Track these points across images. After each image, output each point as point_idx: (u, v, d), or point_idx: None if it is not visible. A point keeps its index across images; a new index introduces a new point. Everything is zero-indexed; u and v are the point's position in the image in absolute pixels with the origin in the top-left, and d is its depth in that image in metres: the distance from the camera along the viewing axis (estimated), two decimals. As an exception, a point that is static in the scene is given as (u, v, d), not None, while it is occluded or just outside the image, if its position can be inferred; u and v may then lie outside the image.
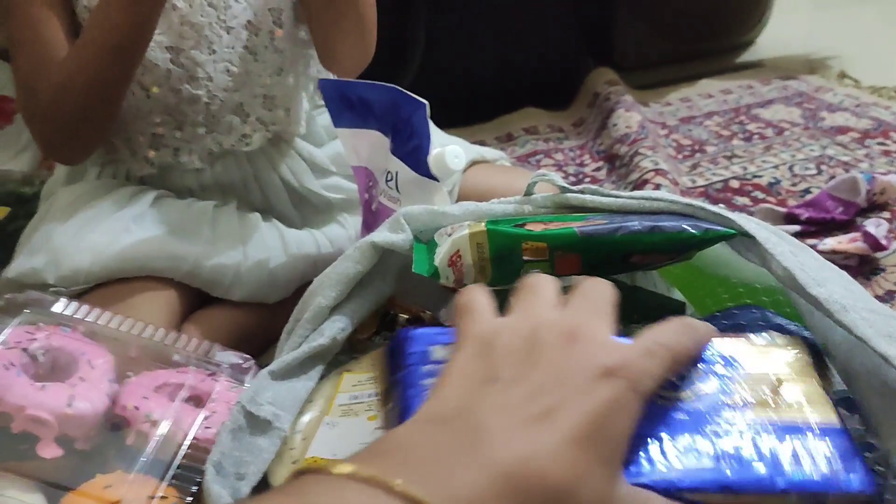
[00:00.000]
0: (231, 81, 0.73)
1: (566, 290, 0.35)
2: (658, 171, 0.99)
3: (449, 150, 0.61)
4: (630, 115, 1.13)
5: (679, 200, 0.48)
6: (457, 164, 0.61)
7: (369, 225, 0.69)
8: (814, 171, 1.04)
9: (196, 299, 0.71)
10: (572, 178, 1.08)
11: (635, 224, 0.47)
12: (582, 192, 0.51)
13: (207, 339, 0.59)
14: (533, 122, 1.24)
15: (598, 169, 1.10)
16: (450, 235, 0.51)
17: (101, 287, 0.67)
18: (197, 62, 0.71)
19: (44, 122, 0.69)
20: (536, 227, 0.49)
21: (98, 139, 0.72)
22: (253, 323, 0.72)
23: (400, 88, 0.65)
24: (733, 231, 0.46)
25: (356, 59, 0.75)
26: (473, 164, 0.85)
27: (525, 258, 0.48)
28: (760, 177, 1.04)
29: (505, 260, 0.48)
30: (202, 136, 0.74)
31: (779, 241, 0.46)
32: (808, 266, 0.43)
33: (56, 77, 0.66)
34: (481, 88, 1.26)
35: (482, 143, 1.19)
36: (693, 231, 0.46)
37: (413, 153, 0.64)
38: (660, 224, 0.47)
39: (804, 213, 0.86)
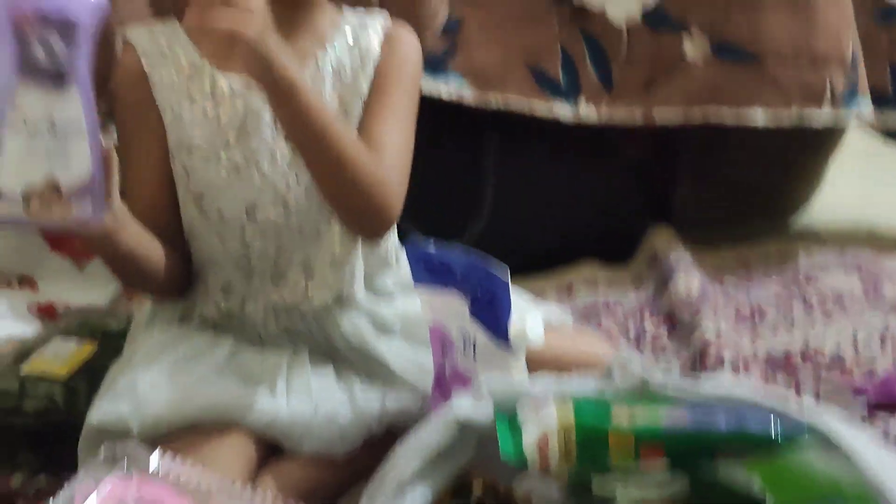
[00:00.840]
0: (301, 239, 0.77)
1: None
2: (720, 339, 1.00)
3: (530, 324, 0.64)
4: (690, 279, 1.16)
5: (762, 402, 0.50)
6: (537, 339, 0.63)
7: (443, 389, 0.71)
8: (878, 345, 1.04)
9: (268, 449, 0.73)
10: (633, 338, 1.09)
11: (721, 422, 0.48)
12: (664, 383, 0.53)
13: (282, 493, 0.60)
14: (593, 276, 1.26)
15: (658, 330, 1.11)
16: (534, 414, 0.52)
17: (180, 432, 0.70)
18: (270, 218, 0.76)
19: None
20: (622, 415, 0.50)
21: (160, 293, 0.77)
22: (322, 477, 0.73)
23: (483, 264, 0.68)
24: (817, 431, 0.47)
25: (360, 222, 0.74)
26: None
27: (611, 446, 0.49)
28: (823, 348, 1.04)
29: (590, 447, 0.49)
30: (268, 290, 0.78)
31: (861, 442, 0.46)
32: (890, 467, 0.44)
33: None
34: (543, 240, 1.30)
35: (542, 295, 1.22)
36: (777, 432, 0.47)
37: (493, 324, 0.67)
38: (745, 424, 0.48)
39: (873, 397, 0.86)
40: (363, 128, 0.76)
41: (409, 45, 0.82)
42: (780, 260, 1.35)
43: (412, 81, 0.81)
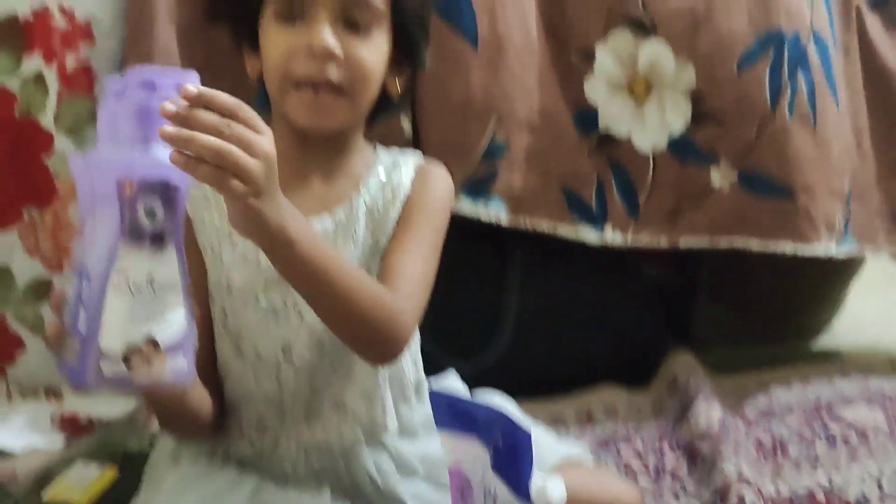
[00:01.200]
0: (334, 377, 0.78)
1: None
2: (742, 479, 0.99)
3: (551, 485, 0.64)
4: (711, 409, 1.15)
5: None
6: (559, 500, 0.63)
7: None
8: (904, 490, 1.02)
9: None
10: (653, 471, 1.08)
11: None
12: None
13: None
14: (612, 401, 1.26)
15: (678, 462, 1.10)
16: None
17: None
18: (306, 358, 0.77)
19: None
20: None
21: (195, 436, 0.78)
22: None
23: (507, 414, 0.69)
24: None
25: (367, 351, 0.73)
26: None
27: None
28: (847, 488, 1.03)
29: None
30: (300, 427, 0.78)
31: None
32: None
33: None
34: (563, 360, 1.30)
35: (561, 419, 1.22)
36: None
37: (514, 478, 0.67)
38: None
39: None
40: (385, 256, 0.77)
41: (440, 180, 0.83)
42: (802, 385, 1.34)
43: (440, 217, 0.82)
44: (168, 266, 0.54)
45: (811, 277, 1.47)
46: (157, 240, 0.53)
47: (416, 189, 0.81)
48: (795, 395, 1.31)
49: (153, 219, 0.53)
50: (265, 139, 0.57)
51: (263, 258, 0.75)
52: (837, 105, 1.26)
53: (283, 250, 0.62)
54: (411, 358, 0.86)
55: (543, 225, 1.20)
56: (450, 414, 0.73)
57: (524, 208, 1.18)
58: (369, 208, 0.79)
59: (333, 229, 0.77)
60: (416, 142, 1.12)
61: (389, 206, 0.80)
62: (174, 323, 0.54)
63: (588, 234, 1.22)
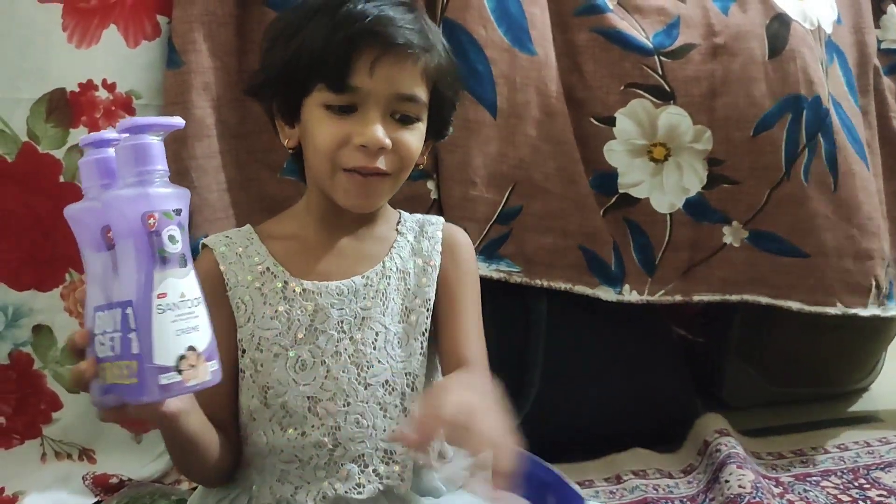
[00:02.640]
0: (359, 433, 0.79)
1: None
2: (775, 545, 0.96)
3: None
4: (743, 473, 1.12)
5: None
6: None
7: None
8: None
9: None
10: (683, 536, 1.05)
11: None
12: None
13: None
14: (641, 465, 1.24)
15: (710, 527, 1.07)
16: None
17: None
18: (330, 412, 0.78)
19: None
20: None
21: (208, 481, 0.79)
22: None
23: (559, 474, 0.68)
24: None
25: None
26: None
27: None
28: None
29: None
30: (320, 479, 0.79)
31: None
32: None
33: None
34: (589, 423, 1.29)
35: (590, 483, 1.20)
36: None
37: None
38: None
39: None
40: (452, 344, 0.82)
41: (468, 251, 0.89)
42: (839, 449, 1.30)
43: (476, 284, 0.88)
44: (193, 281, 0.61)
45: (845, 338, 1.44)
46: (183, 260, 0.60)
47: (450, 266, 0.85)
48: (832, 458, 1.27)
49: (175, 243, 0.59)
50: None
51: (294, 316, 0.79)
52: (868, 167, 1.27)
53: None
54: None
55: (560, 284, 1.21)
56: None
57: (539, 270, 1.20)
58: (401, 273, 0.83)
59: (364, 288, 0.80)
60: (440, 203, 1.15)
61: (421, 276, 0.84)
62: (205, 330, 0.61)
63: (605, 293, 1.23)
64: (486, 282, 1.19)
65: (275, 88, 0.82)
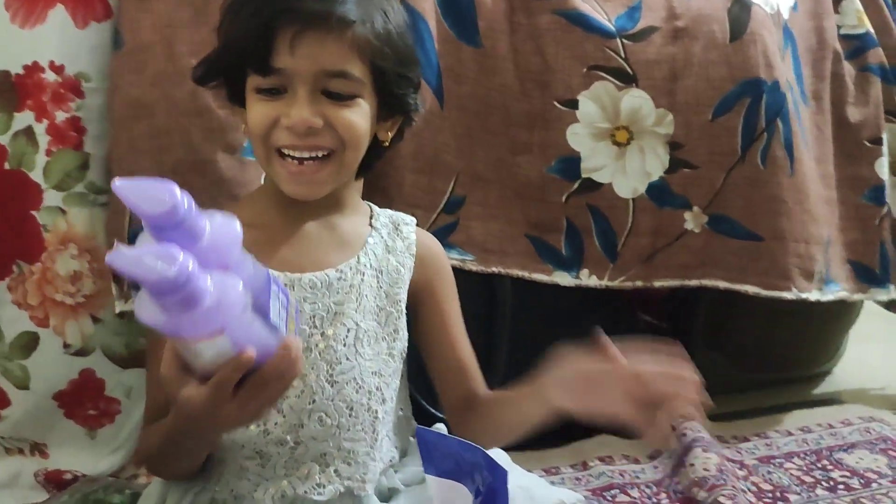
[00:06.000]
0: (321, 431, 0.77)
1: None
2: (740, 526, 0.96)
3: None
4: (708, 456, 1.12)
5: None
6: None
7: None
8: (908, 535, 0.99)
9: None
10: (649, 520, 1.05)
11: None
12: None
13: None
14: (608, 452, 1.23)
15: (675, 511, 1.07)
16: None
17: None
18: (294, 409, 0.76)
19: (138, 449, 0.75)
20: None
21: (185, 474, 0.77)
22: None
23: (486, 452, 0.68)
24: None
25: None
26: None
27: None
28: (850, 536, 1.00)
29: None
30: (280, 478, 0.77)
31: None
32: None
33: (142, 432, 0.75)
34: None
35: (556, 470, 1.19)
36: None
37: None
38: None
39: None
40: (449, 349, 0.87)
41: (442, 254, 0.90)
42: (802, 431, 1.31)
43: (456, 290, 0.90)
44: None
45: (807, 323, 1.46)
46: None
47: (433, 275, 0.87)
48: (795, 440, 1.28)
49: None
50: None
51: None
52: (808, 152, 1.28)
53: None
54: (405, 417, 0.86)
55: (516, 272, 1.21)
56: (439, 457, 0.71)
57: (493, 257, 1.20)
58: (375, 268, 0.82)
59: (338, 281, 0.79)
60: (388, 188, 1.13)
61: (395, 275, 0.83)
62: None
63: (562, 278, 1.23)
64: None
65: (215, 77, 0.80)
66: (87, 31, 1.00)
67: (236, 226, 0.58)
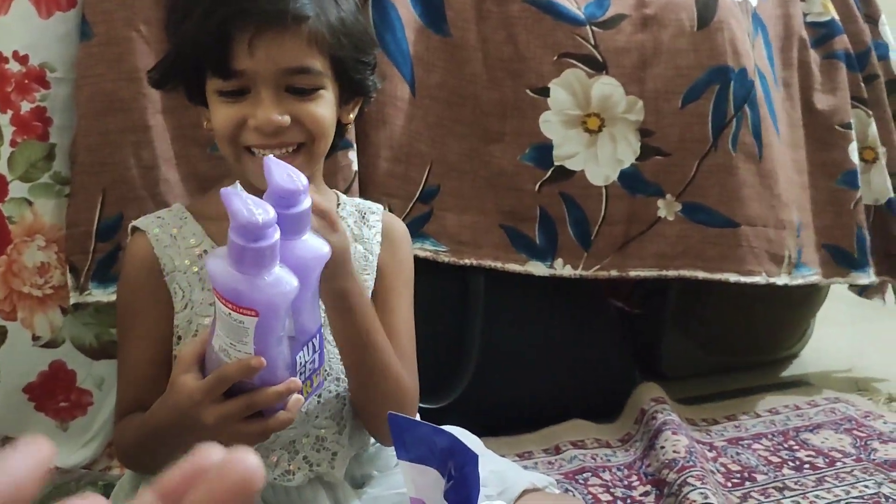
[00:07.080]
0: None
1: None
2: (708, 506, 0.98)
3: (498, 506, 0.63)
4: (678, 439, 1.14)
5: None
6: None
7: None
8: (871, 512, 1.02)
9: None
10: (620, 502, 1.07)
11: None
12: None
13: None
14: (580, 436, 1.25)
15: (645, 493, 1.09)
16: None
17: None
18: None
19: (116, 443, 0.74)
20: None
21: (162, 466, 0.76)
22: None
23: (457, 437, 0.68)
24: None
25: (381, 430, 0.78)
26: (525, 493, 0.85)
27: None
28: (815, 514, 1.02)
29: None
30: None
31: None
32: None
33: (120, 422, 0.75)
34: (529, 398, 1.29)
35: (529, 455, 1.21)
36: None
37: (463, 502, 0.66)
38: None
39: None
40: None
41: (406, 242, 0.89)
42: (769, 413, 1.34)
43: (411, 275, 0.88)
44: None
45: (776, 307, 1.48)
46: None
47: (388, 255, 0.85)
48: (763, 422, 1.31)
49: None
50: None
51: None
52: (779, 138, 1.30)
53: (338, 314, 0.72)
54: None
55: (489, 262, 1.21)
56: (410, 441, 0.72)
57: (466, 249, 1.20)
58: None
59: None
60: (362, 176, 1.13)
61: (363, 262, 0.83)
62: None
63: (536, 268, 1.23)
64: (422, 259, 1.19)
65: (173, 80, 0.79)
66: (52, 21, 0.99)
67: (326, 252, 0.63)
